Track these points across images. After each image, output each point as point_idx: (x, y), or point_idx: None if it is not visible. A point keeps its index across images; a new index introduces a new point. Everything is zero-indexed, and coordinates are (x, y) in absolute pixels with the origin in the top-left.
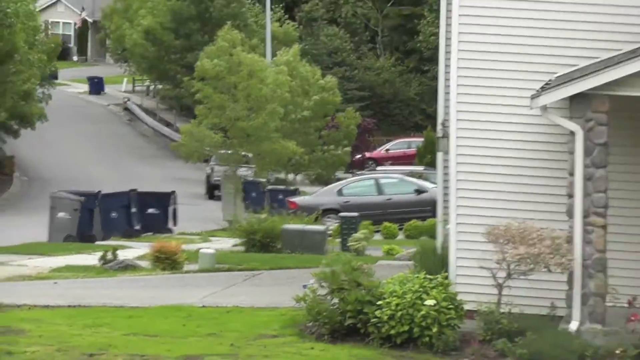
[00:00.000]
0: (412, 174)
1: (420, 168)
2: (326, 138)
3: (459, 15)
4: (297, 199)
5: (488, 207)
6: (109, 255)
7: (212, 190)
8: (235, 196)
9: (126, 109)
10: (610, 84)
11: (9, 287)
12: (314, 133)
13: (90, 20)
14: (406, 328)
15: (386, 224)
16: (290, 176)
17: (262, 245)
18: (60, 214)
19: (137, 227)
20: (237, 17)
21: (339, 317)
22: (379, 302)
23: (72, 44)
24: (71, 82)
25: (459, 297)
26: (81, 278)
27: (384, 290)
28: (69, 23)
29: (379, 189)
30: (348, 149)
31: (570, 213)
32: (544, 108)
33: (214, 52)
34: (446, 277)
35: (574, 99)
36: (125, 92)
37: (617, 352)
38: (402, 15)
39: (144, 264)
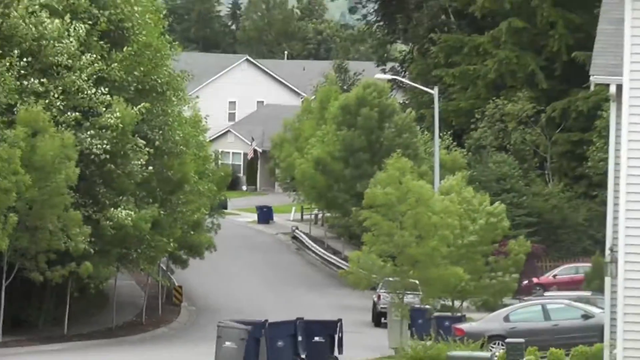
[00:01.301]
0: (579, 299)
1: (587, 293)
2: (494, 264)
3: (628, 140)
4: (463, 326)
5: None
6: None
7: (379, 318)
8: (401, 323)
9: (294, 237)
10: None
11: None
12: (481, 259)
13: (259, 150)
14: None
15: (552, 349)
16: (457, 303)
17: None
18: (227, 344)
19: (303, 356)
20: (408, 146)
21: None
22: None
23: (241, 174)
24: (240, 212)
25: None
26: None
27: None
28: (239, 153)
29: (546, 315)
30: (516, 275)
31: None
32: None
33: (384, 179)
34: None
35: None
36: (293, 220)
37: None
38: (571, 142)
39: None
